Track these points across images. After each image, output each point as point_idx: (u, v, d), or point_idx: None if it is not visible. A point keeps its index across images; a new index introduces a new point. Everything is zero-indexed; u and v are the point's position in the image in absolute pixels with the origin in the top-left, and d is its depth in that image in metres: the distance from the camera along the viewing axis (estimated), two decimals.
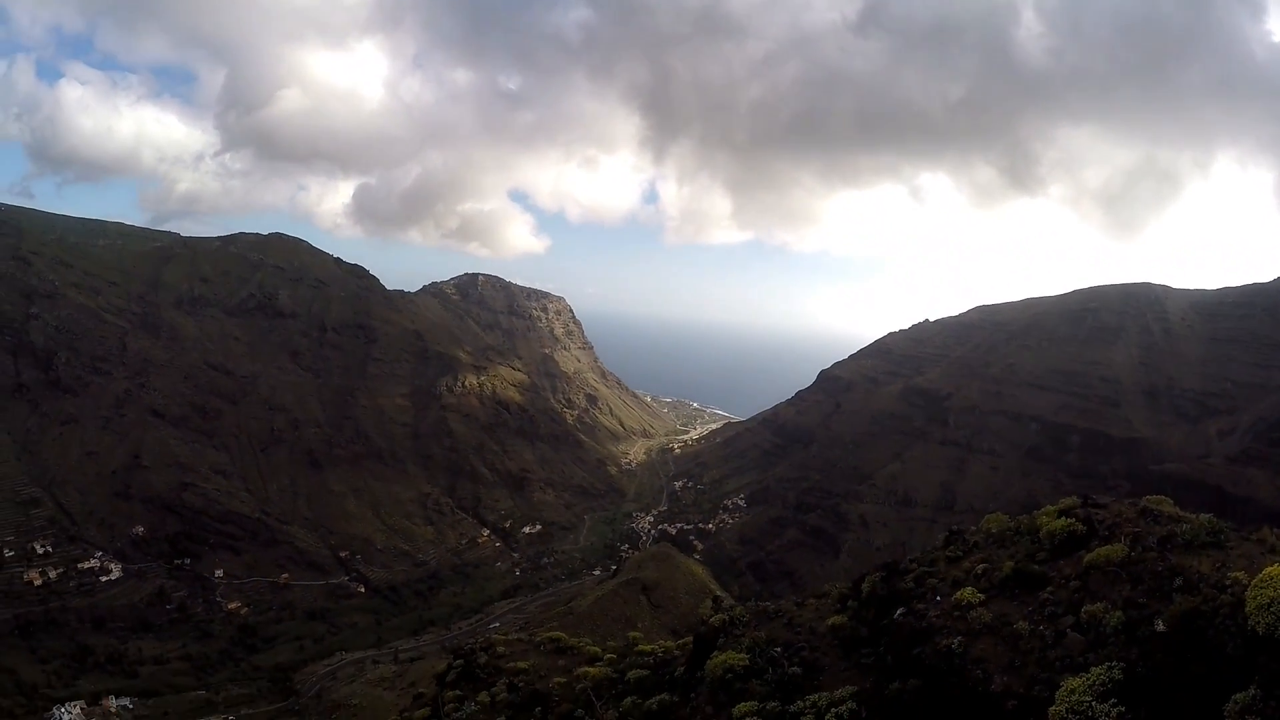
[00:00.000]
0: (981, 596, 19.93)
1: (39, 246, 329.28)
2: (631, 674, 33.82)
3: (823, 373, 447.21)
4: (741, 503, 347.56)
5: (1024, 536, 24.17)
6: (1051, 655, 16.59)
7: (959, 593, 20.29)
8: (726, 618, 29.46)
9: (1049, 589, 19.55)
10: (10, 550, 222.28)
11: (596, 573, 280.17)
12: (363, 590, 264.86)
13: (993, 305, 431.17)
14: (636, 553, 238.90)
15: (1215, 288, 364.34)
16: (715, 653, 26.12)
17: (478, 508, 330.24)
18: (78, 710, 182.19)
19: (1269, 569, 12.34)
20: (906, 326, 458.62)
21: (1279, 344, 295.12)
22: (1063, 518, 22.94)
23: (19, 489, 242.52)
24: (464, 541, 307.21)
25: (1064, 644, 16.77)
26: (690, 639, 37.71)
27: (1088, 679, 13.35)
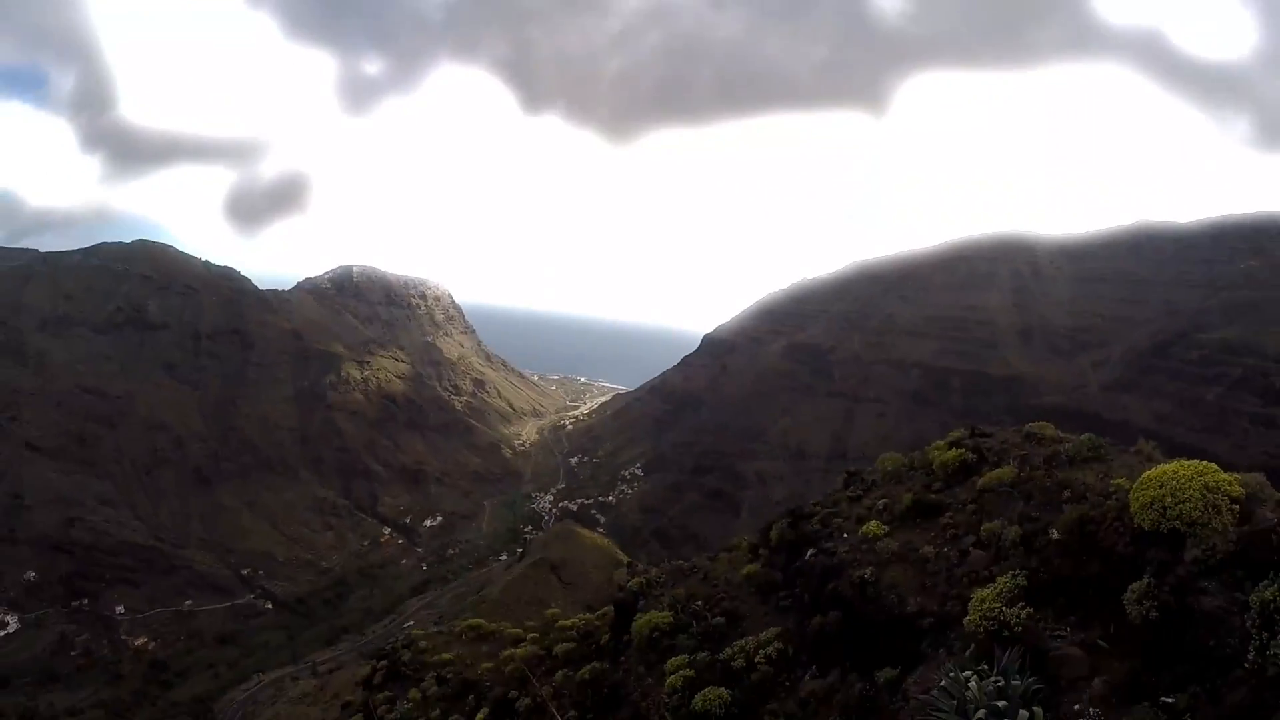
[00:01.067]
0: (886, 529, 20.84)
1: None
2: (558, 648, 34.37)
3: (706, 336, 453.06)
4: (639, 472, 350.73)
5: (918, 471, 25.32)
6: (958, 573, 17.52)
7: (864, 527, 21.18)
8: (644, 581, 30.14)
9: (948, 515, 20.56)
10: None
11: (503, 558, 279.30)
12: (270, 607, 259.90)
13: (869, 260, 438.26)
14: (541, 533, 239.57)
15: (1081, 233, 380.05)
16: (638, 615, 26.78)
17: (376, 506, 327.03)
18: None
19: (1147, 473, 13.28)
20: (785, 286, 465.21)
21: (1143, 279, 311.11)
22: (954, 449, 24.11)
23: None
24: (366, 543, 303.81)
25: (968, 562, 17.74)
26: (609, 608, 38.33)
27: (995, 589, 14.15)
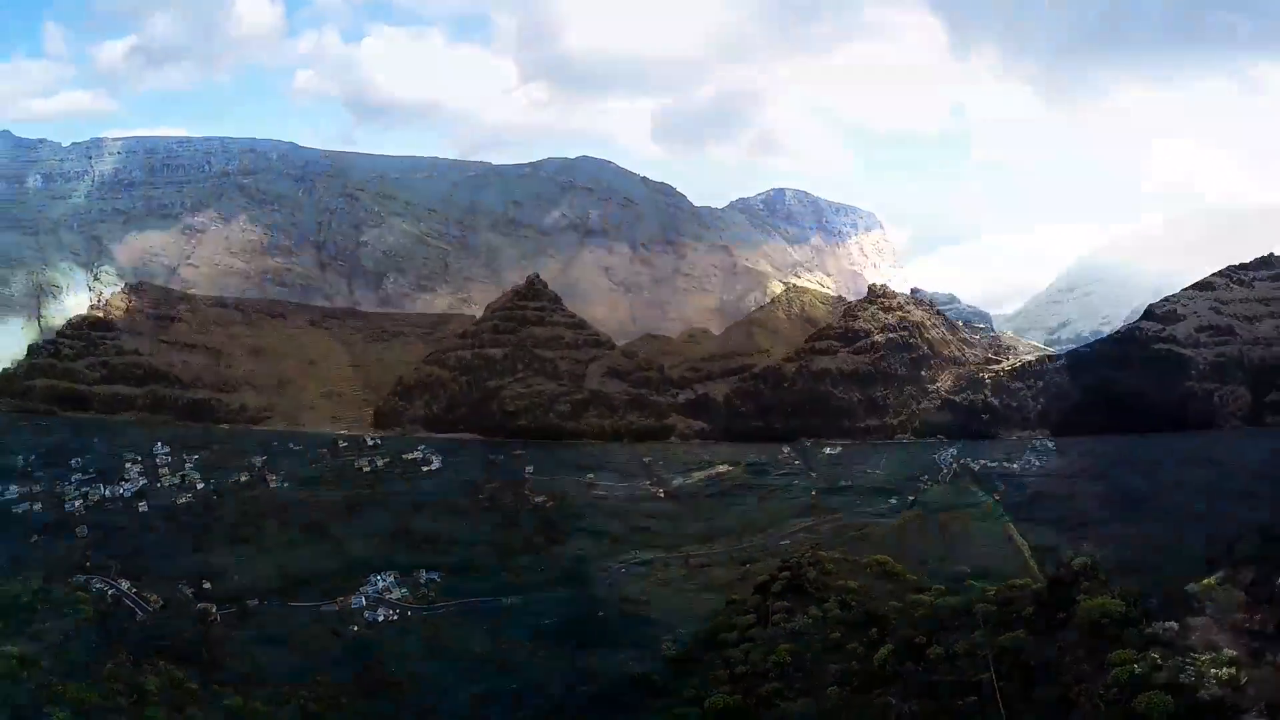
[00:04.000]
0: None
1: (364, 184, 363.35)
2: (979, 607, 34.59)
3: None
4: (1049, 444, 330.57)
5: None
6: None
7: None
8: (1087, 562, 30.15)
9: None
10: (344, 442, 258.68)
11: (893, 501, 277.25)
12: (662, 495, 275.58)
13: None
14: (936, 485, 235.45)
15: None
16: (1084, 597, 27.01)
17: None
18: (391, 578, 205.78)
19: None
20: None
21: None
22: None
23: (353, 392, 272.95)
24: (763, 457, 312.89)
25: None
26: (1028, 580, 38.53)
27: None
